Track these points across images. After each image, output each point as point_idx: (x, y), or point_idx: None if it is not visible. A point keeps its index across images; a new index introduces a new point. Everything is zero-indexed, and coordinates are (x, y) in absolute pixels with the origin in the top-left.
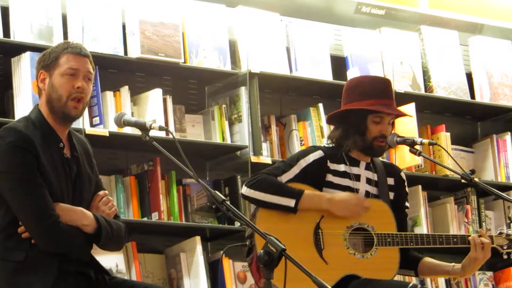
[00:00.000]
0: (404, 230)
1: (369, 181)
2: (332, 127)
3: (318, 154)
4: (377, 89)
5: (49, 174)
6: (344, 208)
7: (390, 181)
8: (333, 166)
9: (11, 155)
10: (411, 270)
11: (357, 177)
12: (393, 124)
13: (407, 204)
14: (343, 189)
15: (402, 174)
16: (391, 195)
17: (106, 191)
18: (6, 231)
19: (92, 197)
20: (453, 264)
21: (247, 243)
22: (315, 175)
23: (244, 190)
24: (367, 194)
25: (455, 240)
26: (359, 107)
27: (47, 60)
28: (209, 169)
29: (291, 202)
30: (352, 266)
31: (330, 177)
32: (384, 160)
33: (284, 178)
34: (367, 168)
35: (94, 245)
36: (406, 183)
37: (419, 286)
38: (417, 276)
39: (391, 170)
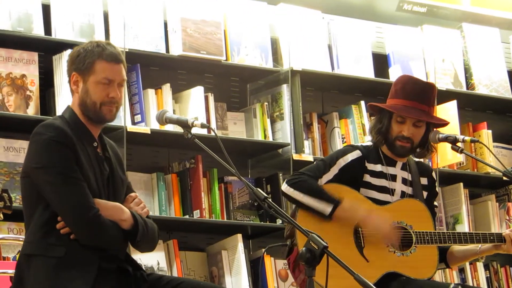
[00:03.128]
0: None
1: (404, 181)
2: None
3: (356, 154)
4: (411, 90)
5: (87, 171)
6: (374, 232)
7: (423, 180)
8: (370, 166)
9: (50, 150)
10: (441, 263)
11: (393, 177)
12: (435, 126)
13: (435, 203)
14: (380, 190)
15: (433, 174)
16: (425, 194)
17: (137, 193)
18: (45, 227)
19: (124, 198)
20: (479, 245)
21: (288, 242)
22: (353, 175)
23: (284, 187)
24: (403, 194)
25: (491, 238)
26: (388, 103)
27: (81, 64)
28: (251, 166)
29: (327, 209)
30: (392, 264)
31: (367, 178)
32: (417, 159)
33: (324, 179)
34: (403, 168)
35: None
36: (436, 183)
37: (460, 287)
38: (448, 267)
39: (424, 169)
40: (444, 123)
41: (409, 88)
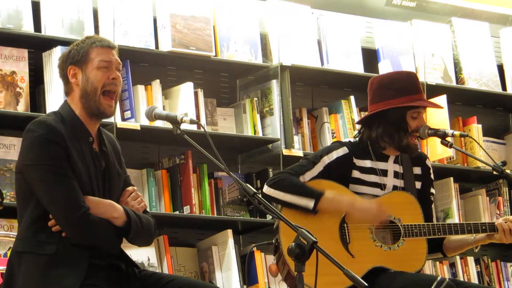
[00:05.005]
0: (430, 218)
1: (396, 174)
2: (358, 126)
3: (342, 151)
4: (411, 85)
5: (79, 168)
6: (363, 216)
7: (417, 170)
8: (359, 163)
9: (40, 147)
10: (437, 252)
11: (384, 172)
12: None
13: (432, 190)
14: (370, 185)
15: (428, 162)
16: (418, 184)
17: (135, 187)
18: (36, 225)
19: (121, 193)
20: (473, 235)
21: (273, 241)
22: (340, 172)
23: (265, 189)
24: (395, 188)
25: (483, 228)
26: (401, 104)
27: (76, 56)
28: (241, 162)
29: (310, 203)
30: (379, 258)
31: (356, 174)
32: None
33: (307, 176)
34: (396, 161)
35: (124, 240)
36: (431, 170)
37: (447, 279)
38: (445, 256)
39: (417, 158)
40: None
41: (409, 83)
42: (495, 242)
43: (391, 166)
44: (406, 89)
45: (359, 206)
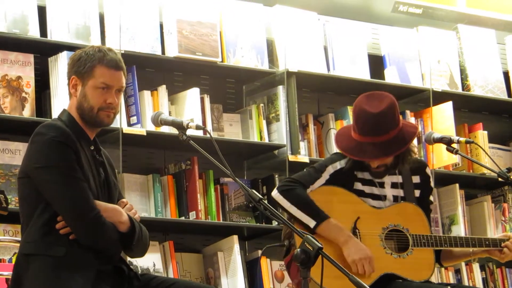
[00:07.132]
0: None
1: (394, 185)
2: None
3: (345, 162)
4: (364, 125)
5: (87, 172)
6: (353, 257)
7: (416, 179)
8: (360, 175)
9: (52, 150)
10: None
11: (381, 184)
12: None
13: (431, 198)
14: (372, 197)
15: (427, 170)
16: (417, 192)
17: (126, 200)
18: (45, 227)
19: (116, 202)
20: (471, 249)
21: (286, 243)
22: (343, 182)
23: (274, 193)
24: (395, 198)
25: (487, 243)
26: (345, 146)
27: (82, 67)
28: (247, 168)
29: (311, 223)
30: (389, 265)
31: (359, 186)
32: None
33: (317, 184)
34: (391, 173)
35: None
36: (431, 179)
37: None
38: (441, 266)
39: (416, 168)
40: (407, 144)
41: (362, 123)
42: (492, 257)
43: (386, 177)
44: (358, 128)
45: (353, 248)
